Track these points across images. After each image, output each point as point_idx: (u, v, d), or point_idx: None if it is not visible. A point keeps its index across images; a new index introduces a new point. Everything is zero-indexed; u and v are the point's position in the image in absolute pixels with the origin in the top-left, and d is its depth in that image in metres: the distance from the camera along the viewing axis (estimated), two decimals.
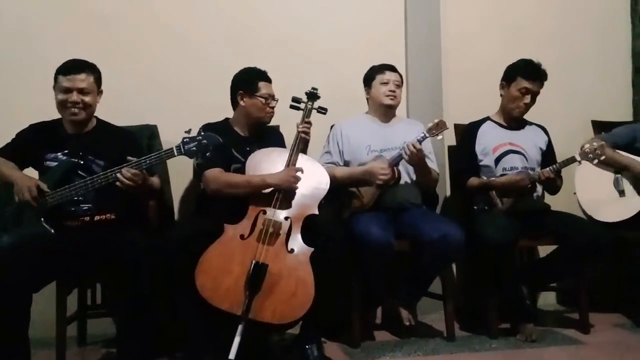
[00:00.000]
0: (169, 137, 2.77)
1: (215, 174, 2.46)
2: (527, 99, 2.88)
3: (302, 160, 2.48)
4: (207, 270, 2.19)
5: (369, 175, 2.70)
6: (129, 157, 2.25)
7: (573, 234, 2.69)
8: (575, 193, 3.11)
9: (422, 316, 3.06)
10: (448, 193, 3.34)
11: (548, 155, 3.00)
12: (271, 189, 2.38)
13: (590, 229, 2.74)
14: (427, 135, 2.67)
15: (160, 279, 2.18)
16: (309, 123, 2.55)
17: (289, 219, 2.34)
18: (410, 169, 2.83)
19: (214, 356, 2.22)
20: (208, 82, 3.11)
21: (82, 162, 2.39)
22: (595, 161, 2.74)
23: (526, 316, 2.77)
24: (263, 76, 2.65)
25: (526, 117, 3.03)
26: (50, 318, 2.36)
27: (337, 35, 3.38)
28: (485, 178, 2.90)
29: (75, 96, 2.35)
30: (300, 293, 2.19)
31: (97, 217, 2.35)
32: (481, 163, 2.94)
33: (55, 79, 2.38)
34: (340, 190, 2.79)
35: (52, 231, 2.23)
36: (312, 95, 2.60)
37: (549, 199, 2.99)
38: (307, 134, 2.53)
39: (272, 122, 2.77)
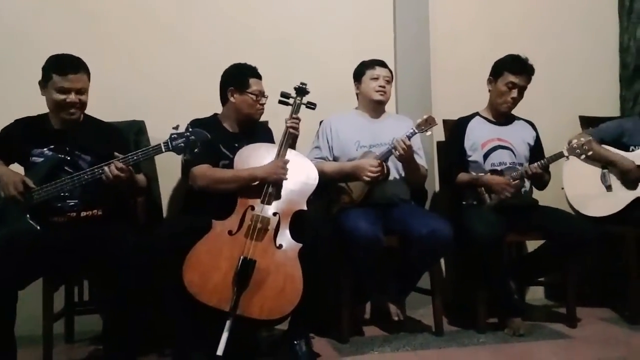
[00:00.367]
0: (157, 134, 2.75)
1: (203, 170, 2.44)
2: (514, 93, 2.89)
3: (290, 156, 2.48)
4: (195, 266, 2.18)
5: (358, 171, 2.70)
6: (116, 153, 2.23)
7: (561, 228, 2.71)
8: (562, 188, 3.13)
9: (411, 311, 3.06)
10: (437, 189, 3.35)
11: (536, 150, 3.01)
12: (259, 182, 2.37)
13: (578, 224, 2.76)
14: (416, 131, 2.67)
15: (147, 276, 2.16)
16: (298, 118, 2.54)
17: (278, 215, 2.33)
18: (400, 164, 2.83)
19: (201, 353, 2.21)
20: (197, 77, 3.10)
21: (68, 158, 2.37)
22: (583, 157, 2.76)
23: (514, 311, 2.78)
24: (254, 72, 2.63)
25: (514, 112, 3.04)
26: (37, 315, 2.34)
27: (327, 31, 3.37)
28: (474, 173, 2.91)
29: (73, 96, 2.32)
30: (289, 289, 2.19)
31: (83, 213, 2.34)
32: (470, 158, 2.95)
33: (48, 76, 2.32)
34: (329, 185, 2.79)
35: (38, 227, 2.21)
36: (301, 91, 2.59)
37: (537, 194, 3.01)
38: (296, 129, 2.52)
39: (262, 118, 2.75)
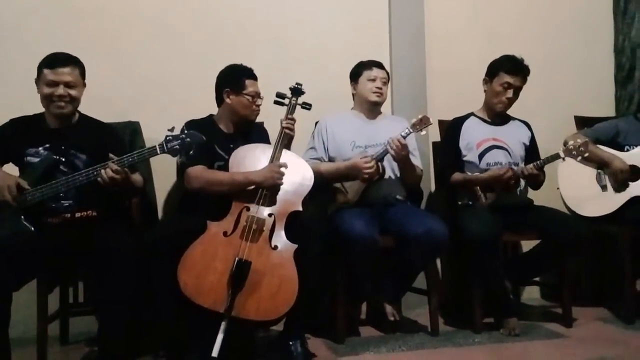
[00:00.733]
0: (153, 134, 2.75)
1: (198, 171, 2.43)
2: (510, 93, 2.89)
3: (286, 156, 2.47)
4: (190, 267, 2.17)
5: (354, 170, 2.69)
6: (111, 155, 2.22)
7: (556, 228, 2.72)
8: (558, 188, 3.14)
9: (407, 311, 3.06)
10: (433, 189, 3.35)
11: (531, 150, 3.02)
12: (254, 186, 2.36)
13: (573, 224, 2.77)
14: (411, 131, 2.67)
15: (142, 277, 2.16)
16: (293, 119, 2.53)
17: (273, 216, 2.33)
18: (395, 164, 2.83)
19: (197, 354, 2.21)
20: (192, 78, 3.09)
21: (63, 159, 2.36)
22: (579, 158, 2.77)
23: (509, 310, 2.78)
24: (250, 74, 2.62)
25: (510, 112, 3.05)
26: (31, 316, 2.34)
27: (322, 31, 3.37)
28: (469, 173, 2.92)
29: (61, 90, 2.32)
30: (284, 290, 2.19)
31: (78, 214, 2.32)
32: (465, 158, 2.95)
33: (40, 72, 2.34)
34: (325, 186, 2.79)
35: (32, 229, 2.20)
36: (297, 91, 2.58)
37: (532, 193, 3.01)
38: (291, 129, 2.51)
39: (257, 118, 2.74)
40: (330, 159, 2.87)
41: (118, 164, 2.19)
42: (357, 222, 2.52)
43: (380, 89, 2.88)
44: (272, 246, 2.27)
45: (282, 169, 2.40)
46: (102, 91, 2.77)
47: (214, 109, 2.69)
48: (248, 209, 2.32)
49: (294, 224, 2.35)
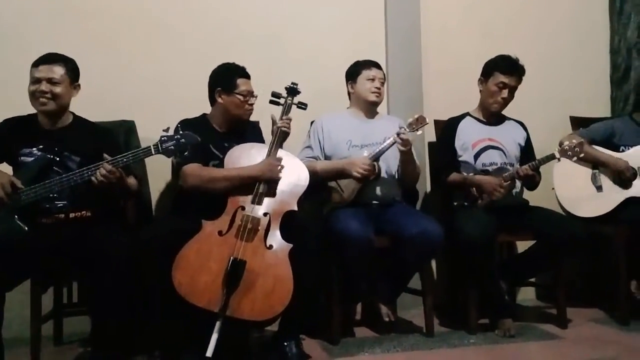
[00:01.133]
0: (148, 134, 2.73)
1: (194, 169, 2.42)
2: (505, 93, 2.89)
3: (281, 156, 2.46)
4: (184, 267, 2.16)
5: (350, 167, 2.69)
6: (105, 155, 2.21)
7: (551, 229, 2.72)
8: (553, 189, 3.14)
9: (402, 312, 3.05)
10: (428, 189, 3.35)
11: (527, 150, 3.02)
12: (252, 180, 2.35)
13: (568, 225, 2.77)
14: (407, 130, 2.67)
15: (136, 277, 2.15)
16: (289, 119, 2.52)
17: (268, 215, 2.32)
18: (391, 164, 2.84)
19: (191, 354, 2.20)
20: (188, 76, 3.06)
21: (57, 159, 2.36)
22: (575, 159, 2.77)
23: (505, 311, 2.78)
24: (242, 72, 2.60)
25: (505, 112, 3.05)
26: (25, 317, 2.33)
27: (318, 30, 3.37)
28: (465, 174, 2.91)
29: (43, 86, 2.32)
30: (279, 289, 2.18)
31: (72, 215, 2.32)
32: (460, 158, 2.95)
33: (30, 73, 2.35)
34: (320, 185, 2.78)
35: (26, 228, 2.19)
36: (292, 91, 2.58)
37: (527, 194, 3.01)
38: (287, 127, 2.50)
39: (253, 117, 2.74)
40: (327, 158, 2.87)
41: (112, 164, 2.19)
42: (352, 222, 2.52)
43: (379, 89, 2.89)
44: (267, 246, 2.26)
45: (280, 163, 2.39)
46: (97, 90, 2.77)
47: (209, 108, 2.68)
48: (243, 208, 2.32)
49: (289, 224, 2.34)
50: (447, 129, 3.04)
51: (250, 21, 3.28)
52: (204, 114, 2.68)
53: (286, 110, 2.55)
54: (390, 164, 2.83)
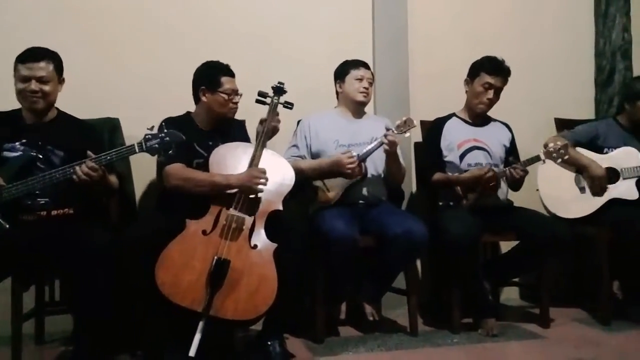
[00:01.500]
0: (133, 132, 2.70)
1: (177, 169, 2.41)
2: (490, 94, 2.91)
3: (267, 155, 2.45)
4: (167, 266, 2.15)
5: (336, 166, 2.69)
6: (89, 153, 2.19)
7: (535, 229, 2.74)
8: (537, 190, 3.16)
9: (386, 311, 3.06)
10: (414, 189, 3.36)
11: (511, 152, 3.04)
12: (234, 190, 2.33)
13: (552, 225, 2.79)
14: (395, 132, 2.67)
15: (119, 276, 2.14)
16: (278, 120, 2.50)
17: (253, 215, 2.31)
18: (378, 165, 2.84)
19: (174, 354, 2.19)
20: (174, 74, 3.02)
21: (40, 156, 2.34)
22: (559, 160, 2.78)
23: (488, 311, 2.80)
24: (226, 71, 2.59)
25: (491, 113, 3.06)
26: (6, 315, 2.30)
27: (306, 31, 3.36)
28: (450, 174, 2.92)
29: (34, 85, 2.29)
30: (263, 289, 2.17)
31: (54, 212, 2.30)
32: (446, 159, 2.96)
33: (15, 67, 2.31)
34: (306, 185, 2.78)
35: (7, 226, 2.16)
36: (279, 90, 2.56)
37: (512, 195, 3.03)
38: (277, 127, 2.49)
39: (240, 117, 2.73)
40: (313, 158, 2.86)
41: (95, 162, 2.17)
42: (337, 221, 2.52)
43: (367, 89, 2.89)
44: (252, 245, 2.25)
45: (263, 174, 2.34)
46: (81, 87, 2.74)
47: (195, 107, 2.66)
48: (228, 208, 2.30)
49: (274, 223, 2.33)
50: (433, 129, 3.05)
51: (238, 20, 3.26)
52: (188, 112, 2.66)
53: (272, 109, 2.54)
54: (376, 164, 2.84)
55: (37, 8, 2.99)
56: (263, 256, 2.23)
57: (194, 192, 2.37)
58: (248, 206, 2.32)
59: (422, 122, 3.19)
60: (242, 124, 2.81)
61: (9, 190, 2.18)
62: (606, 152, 3.11)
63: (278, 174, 2.43)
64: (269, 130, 2.45)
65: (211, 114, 2.59)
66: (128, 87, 3.05)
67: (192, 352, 2.07)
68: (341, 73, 2.95)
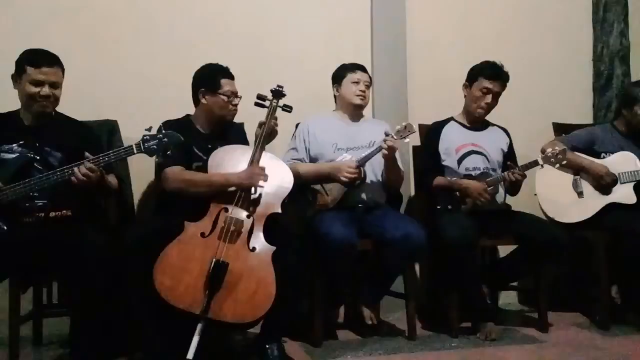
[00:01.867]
0: (131, 134, 2.69)
1: (175, 172, 2.41)
2: (489, 98, 2.91)
3: (265, 158, 2.45)
4: (166, 268, 2.14)
5: (336, 171, 2.69)
6: (87, 154, 2.19)
7: (533, 234, 2.74)
8: (535, 194, 3.16)
9: (385, 315, 3.06)
10: (412, 193, 3.36)
11: (509, 156, 3.04)
12: (233, 188, 2.34)
13: (550, 230, 2.79)
14: (394, 137, 2.67)
15: (116, 278, 2.13)
16: (276, 124, 2.50)
17: (251, 217, 2.31)
18: (377, 168, 2.84)
19: (172, 356, 2.17)
20: (173, 76, 3.03)
21: (38, 157, 2.33)
22: (557, 165, 2.79)
23: (486, 315, 2.80)
24: (225, 73, 2.59)
25: (489, 118, 3.07)
26: (4, 317, 2.29)
27: (305, 35, 3.37)
28: (449, 178, 2.93)
29: (47, 89, 2.31)
30: (261, 292, 2.17)
31: (52, 214, 2.29)
32: (444, 163, 2.96)
33: (22, 69, 2.30)
34: (305, 188, 2.78)
35: (5, 228, 2.16)
36: (278, 93, 2.56)
37: (510, 199, 3.03)
38: (275, 129, 2.50)
39: (239, 119, 2.73)
40: (312, 161, 2.86)
41: (94, 163, 2.17)
42: (335, 225, 2.52)
43: (364, 92, 2.89)
44: (250, 248, 2.25)
45: (263, 172, 2.37)
46: (79, 89, 2.73)
47: (193, 108, 2.66)
48: (226, 210, 2.30)
49: (273, 226, 2.33)
50: (432, 133, 3.06)
51: (237, 23, 3.27)
52: (188, 115, 2.67)
53: (271, 112, 2.54)
54: (375, 168, 2.84)
55: (37, 9, 2.99)
56: (261, 259, 2.23)
57: (194, 193, 2.37)
58: (247, 206, 2.32)
59: (420, 126, 3.19)
60: (240, 126, 2.82)
61: (7, 192, 2.18)
62: (603, 157, 3.12)
63: (277, 177, 2.43)
64: (267, 134, 2.45)
65: (211, 116, 2.59)
66: (126, 89, 3.06)
67: (190, 355, 2.07)
68: (338, 76, 2.95)
